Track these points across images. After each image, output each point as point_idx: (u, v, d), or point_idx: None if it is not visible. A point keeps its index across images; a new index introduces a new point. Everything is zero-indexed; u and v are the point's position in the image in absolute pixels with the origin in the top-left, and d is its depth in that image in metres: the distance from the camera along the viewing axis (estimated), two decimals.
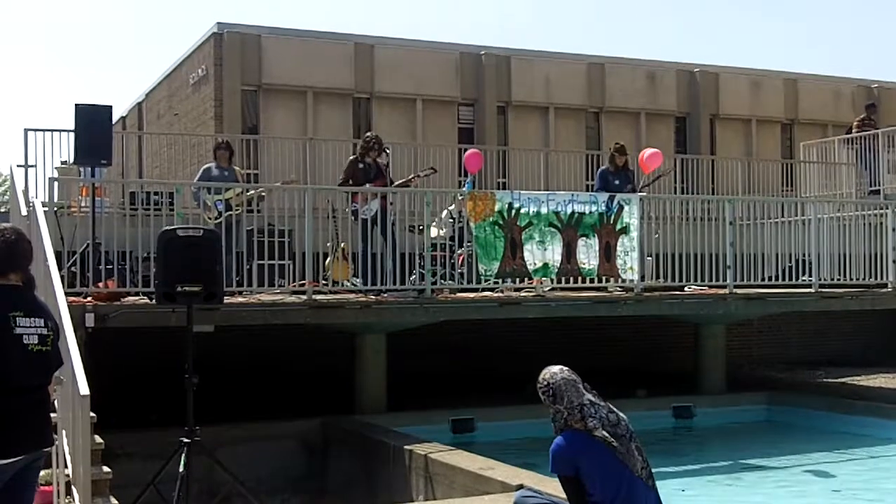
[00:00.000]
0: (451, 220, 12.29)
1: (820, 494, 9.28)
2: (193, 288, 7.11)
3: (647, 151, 13.41)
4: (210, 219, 10.54)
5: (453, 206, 12.48)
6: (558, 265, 11.50)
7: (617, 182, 12.59)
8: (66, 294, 7.56)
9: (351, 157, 11.72)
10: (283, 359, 12.51)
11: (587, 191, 14.02)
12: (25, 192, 11.31)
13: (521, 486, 6.72)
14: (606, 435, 5.01)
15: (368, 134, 12.19)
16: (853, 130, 18.20)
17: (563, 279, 11.71)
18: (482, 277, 11.26)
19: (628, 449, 5.06)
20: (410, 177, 12.37)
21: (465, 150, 14.31)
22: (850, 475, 10.03)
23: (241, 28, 19.05)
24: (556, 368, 5.21)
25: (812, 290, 13.18)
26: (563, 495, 5.97)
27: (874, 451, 11.20)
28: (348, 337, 11.63)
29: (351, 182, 11.27)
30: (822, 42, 61.57)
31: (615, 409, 5.19)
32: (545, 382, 5.16)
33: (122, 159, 17.00)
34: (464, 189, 12.63)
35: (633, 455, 5.07)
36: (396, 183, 11.83)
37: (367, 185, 11.10)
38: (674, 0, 60.85)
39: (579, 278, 11.72)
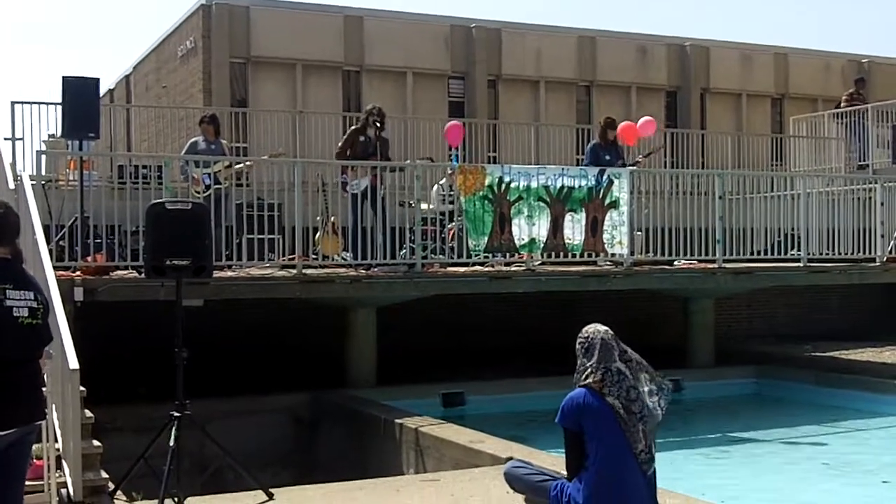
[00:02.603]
0: (442, 195, 12.26)
1: (808, 467, 9.34)
2: (182, 262, 7.05)
3: (642, 120, 13.39)
4: (197, 192, 10.49)
5: (444, 181, 12.44)
6: (545, 240, 11.50)
7: (608, 157, 12.56)
8: (55, 268, 7.51)
9: (353, 128, 11.54)
10: (272, 333, 12.50)
11: (577, 165, 14.00)
12: (13, 165, 11.24)
13: (510, 459, 6.75)
14: (617, 403, 5.12)
15: (372, 106, 11.60)
16: (842, 105, 18.23)
17: (550, 254, 11.72)
18: (471, 252, 11.25)
19: (635, 427, 5.12)
20: (406, 163, 12.31)
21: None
22: (838, 448, 10.09)
23: (229, 0, 18.87)
24: (602, 328, 5.38)
25: (801, 265, 13.24)
26: (552, 468, 6.02)
27: (861, 423, 11.31)
28: (338, 311, 11.62)
29: (349, 153, 11.13)
30: (813, 16, 61.42)
31: (640, 390, 5.25)
32: (586, 335, 5.34)
33: (109, 132, 16.90)
34: (452, 163, 12.56)
35: (637, 434, 5.13)
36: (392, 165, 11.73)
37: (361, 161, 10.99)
38: None
39: (567, 254, 11.73)
